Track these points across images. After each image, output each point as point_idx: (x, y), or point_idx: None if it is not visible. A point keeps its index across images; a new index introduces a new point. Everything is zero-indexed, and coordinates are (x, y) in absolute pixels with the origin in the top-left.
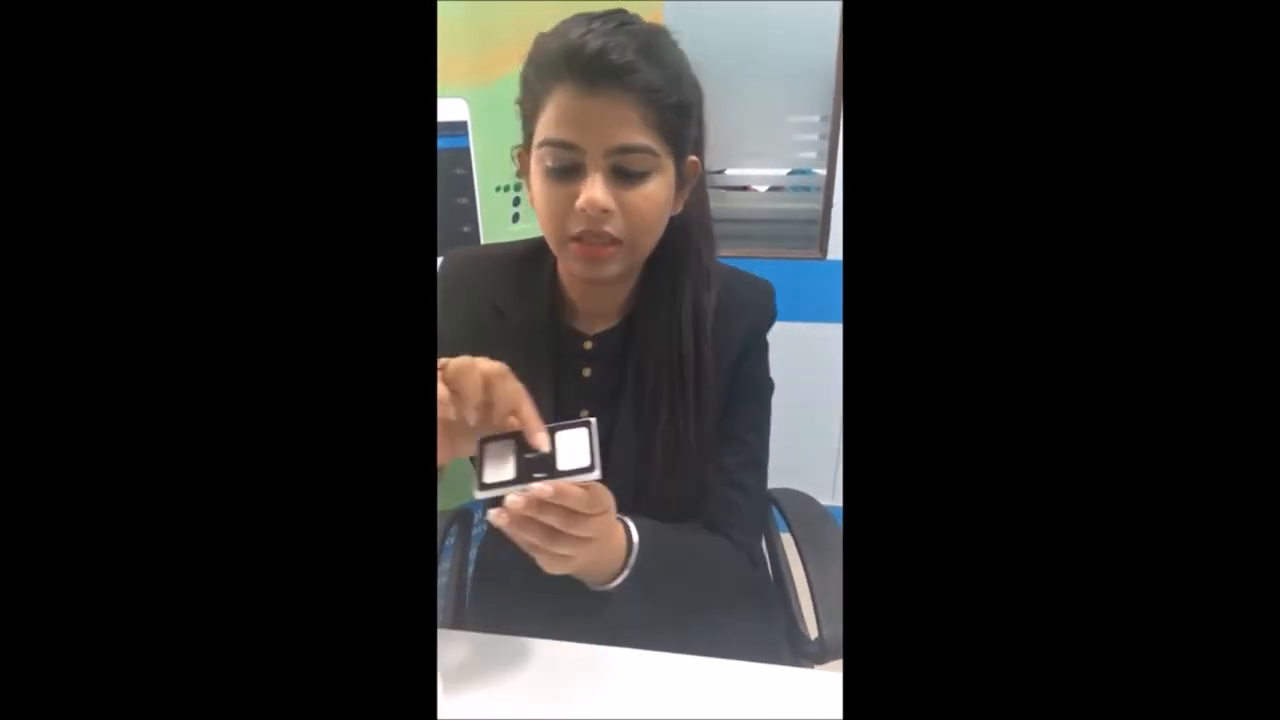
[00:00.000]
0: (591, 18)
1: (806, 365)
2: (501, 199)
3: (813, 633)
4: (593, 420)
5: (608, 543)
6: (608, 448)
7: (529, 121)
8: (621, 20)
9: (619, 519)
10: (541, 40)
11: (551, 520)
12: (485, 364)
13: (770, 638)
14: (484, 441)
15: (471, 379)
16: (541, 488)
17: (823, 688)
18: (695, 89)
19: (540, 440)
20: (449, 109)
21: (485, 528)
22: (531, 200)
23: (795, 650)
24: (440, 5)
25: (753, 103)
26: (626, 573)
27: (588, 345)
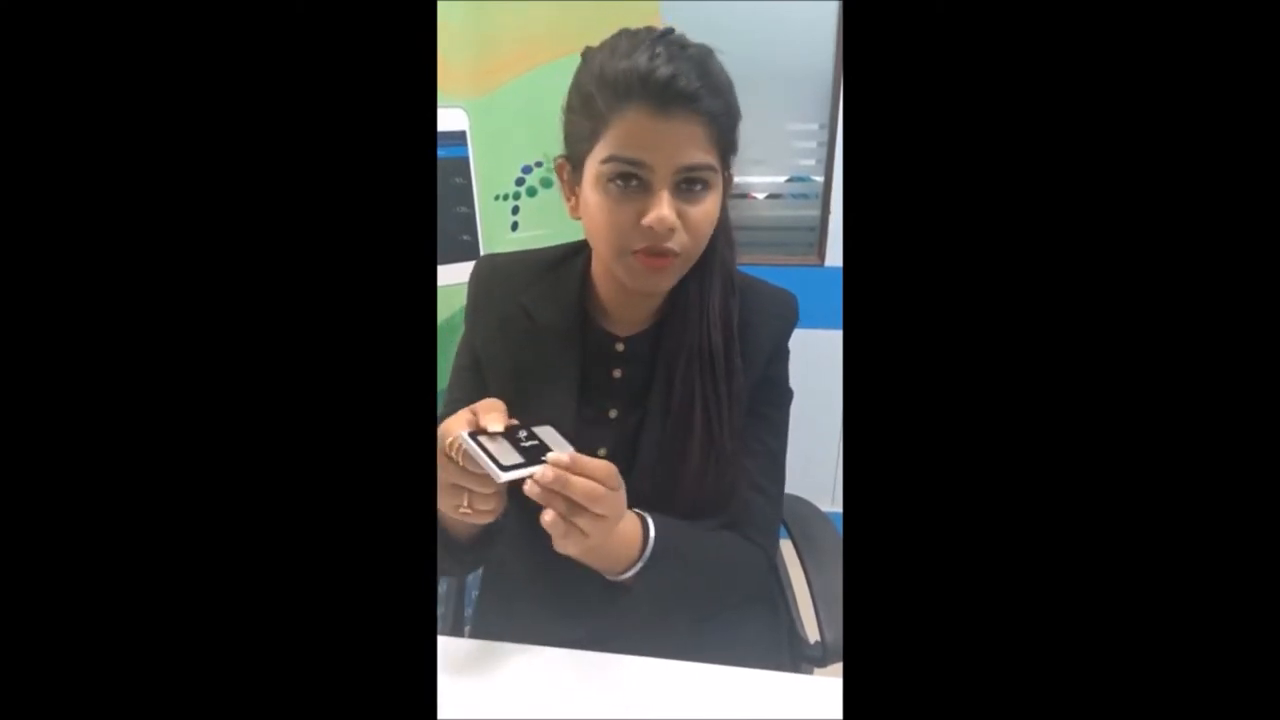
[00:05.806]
0: (650, 39)
1: (806, 371)
2: (501, 207)
3: (812, 637)
4: (549, 427)
5: (622, 526)
6: (636, 445)
7: (585, 138)
8: (680, 43)
9: (637, 513)
10: (599, 58)
11: (575, 494)
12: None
13: (774, 640)
14: (474, 435)
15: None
16: (557, 456)
17: (823, 694)
18: (739, 107)
19: (561, 459)
20: (448, 118)
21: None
22: (573, 211)
23: (795, 654)
24: (440, 14)
25: (752, 110)
26: (642, 562)
27: (620, 347)
